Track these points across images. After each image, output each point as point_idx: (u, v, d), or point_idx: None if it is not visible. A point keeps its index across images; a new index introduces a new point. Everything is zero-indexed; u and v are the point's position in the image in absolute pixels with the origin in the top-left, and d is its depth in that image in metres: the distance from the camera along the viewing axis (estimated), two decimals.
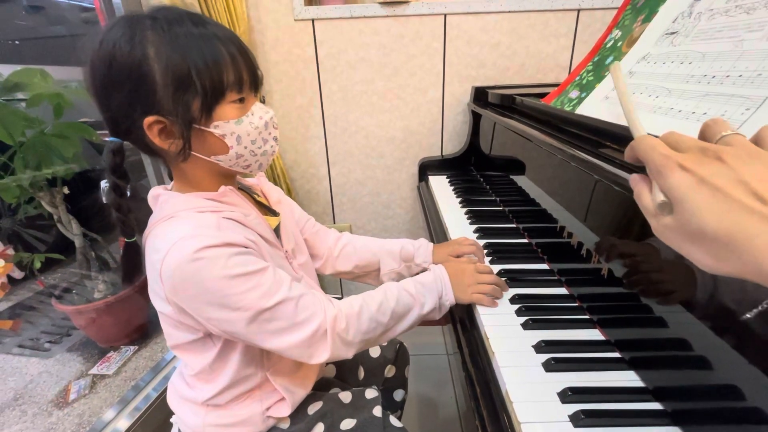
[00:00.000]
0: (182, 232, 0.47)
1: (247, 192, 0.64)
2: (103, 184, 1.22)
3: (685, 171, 0.24)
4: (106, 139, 0.51)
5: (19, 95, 1.09)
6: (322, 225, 0.80)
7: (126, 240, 0.55)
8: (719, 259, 0.23)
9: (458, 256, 0.74)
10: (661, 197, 0.26)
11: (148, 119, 0.47)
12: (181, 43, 0.46)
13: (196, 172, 0.54)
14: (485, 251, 0.78)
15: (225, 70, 0.48)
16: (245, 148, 0.52)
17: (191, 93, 0.47)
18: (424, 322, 0.62)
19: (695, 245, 0.24)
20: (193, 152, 0.50)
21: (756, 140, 0.25)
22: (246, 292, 0.48)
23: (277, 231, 0.62)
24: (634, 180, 0.30)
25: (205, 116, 0.48)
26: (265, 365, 0.58)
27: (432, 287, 0.62)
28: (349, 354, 0.56)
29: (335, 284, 1.67)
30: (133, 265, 0.57)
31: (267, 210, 0.64)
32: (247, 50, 0.51)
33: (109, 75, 0.46)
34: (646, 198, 0.28)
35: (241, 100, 0.51)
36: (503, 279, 0.67)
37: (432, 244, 0.78)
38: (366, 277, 0.80)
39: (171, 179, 0.57)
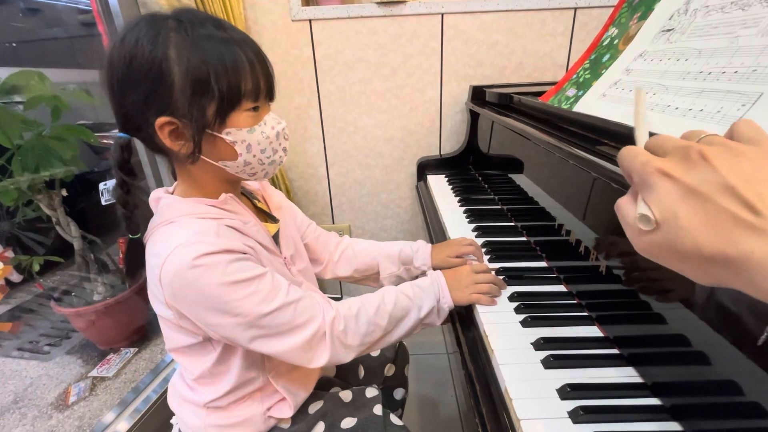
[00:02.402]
0: (182, 238, 0.47)
1: (248, 197, 0.64)
2: (102, 186, 1.22)
3: (670, 178, 0.23)
4: (116, 134, 0.51)
5: (17, 98, 1.09)
6: (323, 229, 0.80)
7: (131, 237, 0.55)
8: (714, 276, 0.22)
9: (457, 257, 0.74)
10: (641, 209, 0.24)
11: (161, 119, 0.47)
12: (203, 47, 0.46)
13: (201, 176, 0.54)
14: (484, 250, 0.78)
15: (243, 77, 0.48)
16: (254, 156, 0.52)
17: (208, 98, 0.47)
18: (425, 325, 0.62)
19: (687, 263, 0.23)
20: (201, 156, 0.50)
21: (730, 138, 0.24)
22: (245, 298, 0.48)
23: (276, 238, 0.62)
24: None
25: (218, 122, 0.48)
26: (266, 368, 0.58)
27: (429, 290, 0.62)
28: (347, 357, 0.56)
29: (335, 284, 1.67)
30: (136, 262, 0.57)
31: (267, 216, 0.64)
32: (266, 59, 0.51)
33: (128, 72, 0.46)
34: (630, 212, 0.25)
35: (255, 109, 0.51)
36: (502, 277, 0.67)
37: (430, 245, 0.78)
38: (366, 280, 0.80)
39: (175, 178, 0.57)
